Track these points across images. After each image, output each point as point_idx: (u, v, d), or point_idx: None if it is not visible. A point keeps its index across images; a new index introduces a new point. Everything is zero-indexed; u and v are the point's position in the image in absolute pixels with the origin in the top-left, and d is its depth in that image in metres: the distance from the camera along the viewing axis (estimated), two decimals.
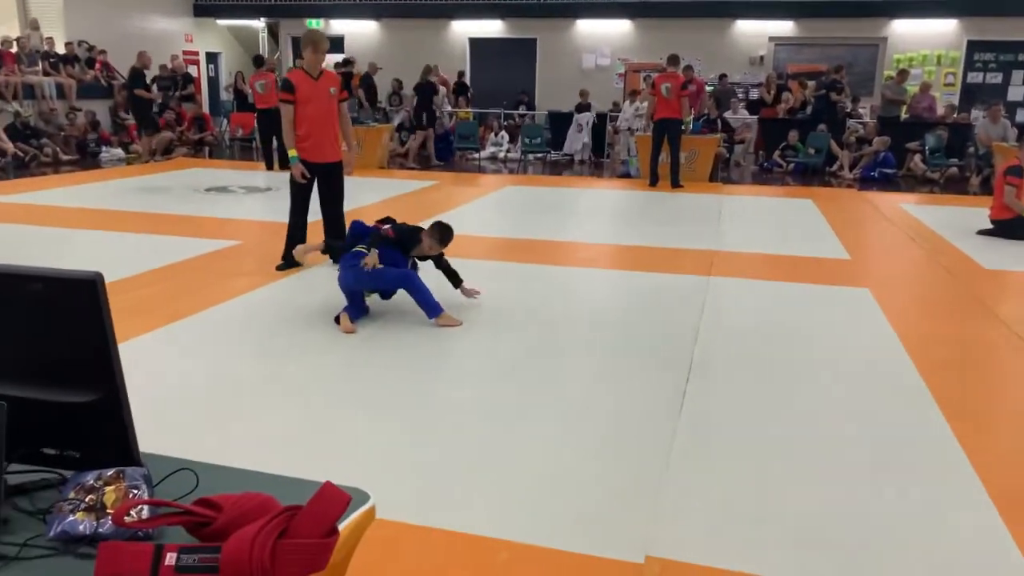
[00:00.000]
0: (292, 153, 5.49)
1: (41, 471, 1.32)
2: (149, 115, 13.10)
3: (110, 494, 1.22)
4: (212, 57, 20.42)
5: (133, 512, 1.17)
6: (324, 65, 5.65)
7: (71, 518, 1.18)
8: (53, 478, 1.32)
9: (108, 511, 1.19)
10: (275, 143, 11.92)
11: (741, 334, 4.52)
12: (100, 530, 1.17)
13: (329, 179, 5.69)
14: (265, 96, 11.57)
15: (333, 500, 1.18)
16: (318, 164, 5.55)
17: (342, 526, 1.22)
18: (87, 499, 1.21)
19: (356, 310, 4.58)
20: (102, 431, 1.27)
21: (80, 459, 1.29)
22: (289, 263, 5.74)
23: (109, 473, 1.25)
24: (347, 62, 14.45)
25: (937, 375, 3.91)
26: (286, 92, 5.45)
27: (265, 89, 11.55)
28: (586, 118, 14.39)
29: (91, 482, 1.23)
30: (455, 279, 4.89)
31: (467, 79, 17.00)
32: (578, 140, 14.42)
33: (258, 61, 12.35)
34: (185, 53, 18.30)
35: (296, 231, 5.75)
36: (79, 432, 1.27)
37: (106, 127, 14.31)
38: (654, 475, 2.85)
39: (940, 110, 13.85)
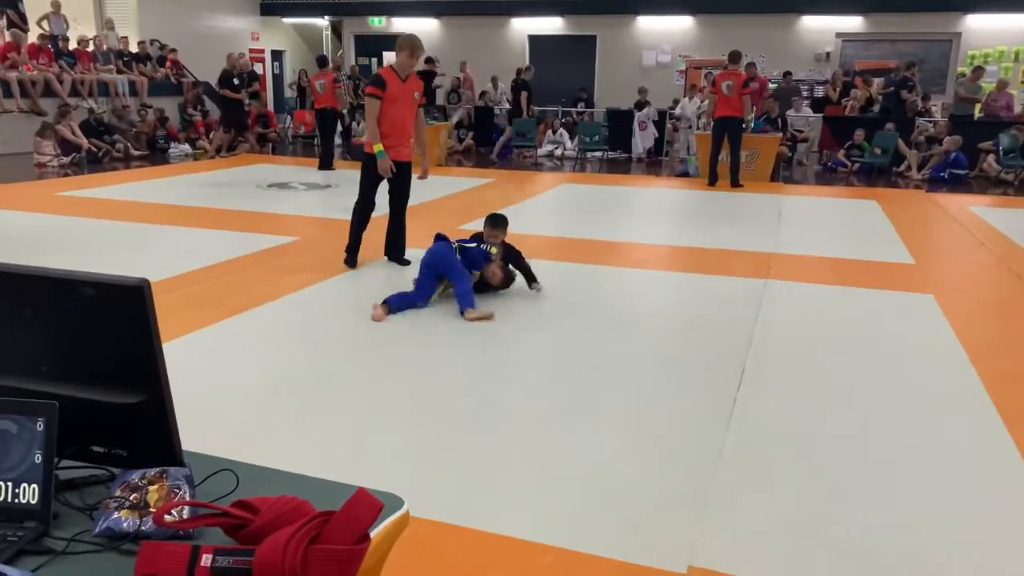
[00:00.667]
0: (379, 148, 5.56)
1: (91, 467, 1.37)
2: (235, 114, 13.64)
3: (153, 493, 1.26)
4: (277, 55, 20.89)
5: (174, 512, 1.21)
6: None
7: (116, 515, 1.22)
8: (102, 474, 1.37)
9: (151, 509, 1.23)
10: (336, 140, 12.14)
11: (797, 341, 4.42)
12: (143, 528, 1.21)
13: (399, 177, 5.80)
14: (324, 96, 11.67)
15: (366, 507, 1.20)
16: (393, 162, 5.66)
17: (374, 533, 1.23)
18: (131, 497, 1.25)
19: (413, 298, 4.79)
20: (147, 431, 1.31)
21: (126, 458, 1.33)
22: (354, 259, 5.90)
23: (153, 472, 1.29)
24: (429, 60, 14.65)
25: (1004, 388, 3.76)
26: (377, 87, 5.52)
27: (324, 89, 11.64)
28: (648, 114, 14.24)
29: (136, 480, 1.28)
30: (531, 279, 5.24)
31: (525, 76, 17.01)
32: (647, 138, 14.26)
33: (322, 61, 12.47)
34: (251, 51, 18.77)
35: (362, 226, 5.88)
36: (125, 432, 1.32)
37: (175, 124, 14.76)
38: (701, 484, 2.81)
39: (1017, 108, 13.30)
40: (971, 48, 15.87)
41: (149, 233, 6.97)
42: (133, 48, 15.51)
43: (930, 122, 13.38)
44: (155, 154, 13.40)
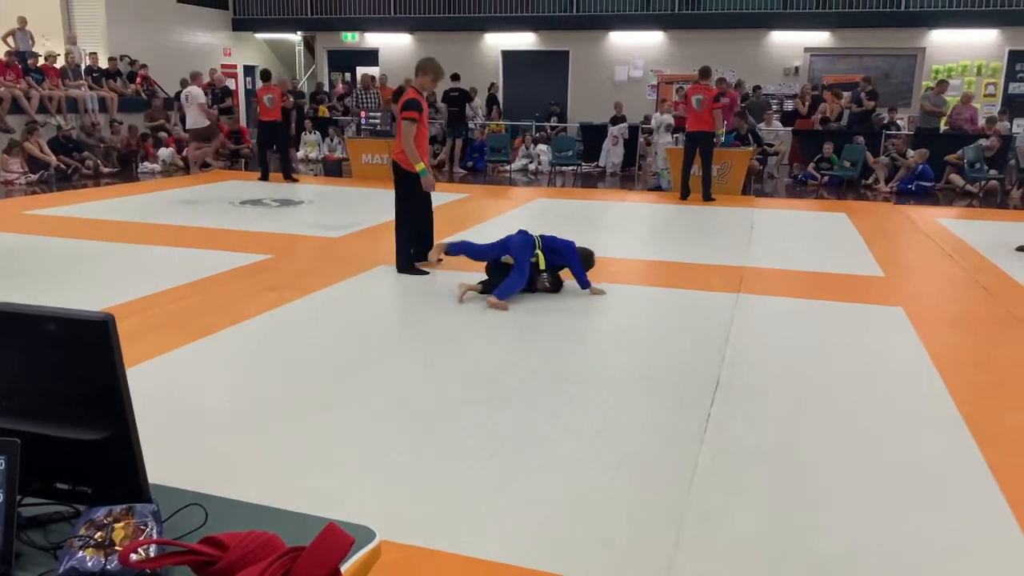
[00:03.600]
0: (421, 167, 6.00)
1: (55, 504, 1.35)
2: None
3: (119, 531, 1.24)
4: (249, 70, 20.78)
5: (140, 551, 1.19)
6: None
7: (80, 554, 1.20)
8: (66, 511, 1.35)
9: (117, 548, 1.21)
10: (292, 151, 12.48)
11: (769, 355, 4.46)
12: (108, 567, 1.19)
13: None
14: (272, 110, 12.00)
15: (336, 542, 1.19)
16: None
17: (345, 568, 1.22)
18: (96, 536, 1.22)
19: (480, 250, 5.64)
20: (113, 468, 1.29)
21: (92, 494, 1.31)
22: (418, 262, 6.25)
23: (119, 509, 1.27)
24: (456, 77, 15.04)
25: (972, 401, 3.81)
26: (415, 111, 5.91)
27: (272, 103, 11.99)
28: (620, 130, 14.40)
29: (101, 518, 1.26)
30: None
31: (498, 91, 17.11)
32: (616, 153, 14.42)
33: (265, 75, 12.81)
34: (223, 67, 18.66)
35: (423, 229, 6.33)
36: (90, 468, 1.30)
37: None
38: (676, 501, 2.82)
39: (981, 122, 13.58)
40: (935, 62, 16.21)
41: (119, 252, 6.88)
42: (103, 64, 15.36)
43: (894, 136, 13.59)
44: (126, 171, 13.26)
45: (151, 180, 12.49)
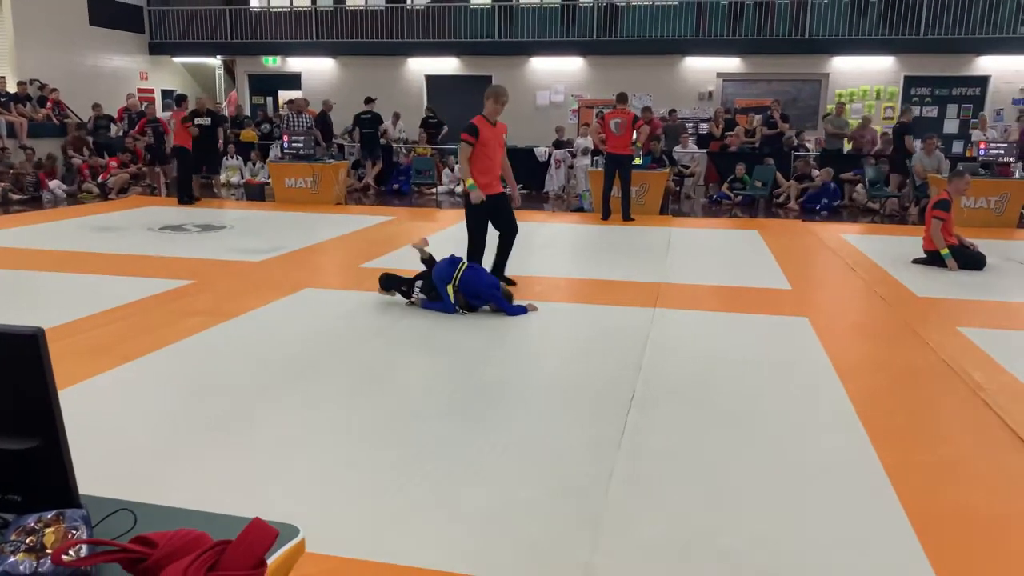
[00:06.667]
0: (470, 182, 6.36)
1: None
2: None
3: (50, 535, 1.29)
4: (167, 94, 20.37)
5: (71, 551, 1.25)
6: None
7: (12, 559, 1.25)
8: None
9: (48, 551, 1.27)
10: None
11: (682, 365, 4.68)
12: (40, 570, 1.24)
13: (499, 206, 6.57)
14: (175, 134, 12.46)
15: (261, 534, 1.28)
16: (491, 195, 6.48)
17: (271, 559, 1.31)
18: (28, 540, 1.28)
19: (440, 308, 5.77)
20: (43, 476, 1.34)
21: (22, 503, 1.36)
22: None
23: (49, 515, 1.33)
24: (369, 100, 15.09)
25: (868, 403, 4.08)
26: (471, 135, 6.30)
27: (176, 127, 12.47)
28: (562, 154, 14.81)
29: (32, 524, 1.31)
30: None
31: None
32: (559, 177, 14.84)
33: (178, 100, 13.15)
34: (140, 91, 18.27)
35: (478, 254, 6.59)
36: (20, 477, 1.35)
37: (58, 167, 14.15)
38: (594, 506, 2.96)
39: (880, 143, 14.40)
40: (838, 87, 17.11)
41: (34, 280, 6.70)
42: (11, 88, 14.86)
43: (802, 156, 14.27)
44: (38, 199, 12.83)
45: (65, 207, 12.12)
